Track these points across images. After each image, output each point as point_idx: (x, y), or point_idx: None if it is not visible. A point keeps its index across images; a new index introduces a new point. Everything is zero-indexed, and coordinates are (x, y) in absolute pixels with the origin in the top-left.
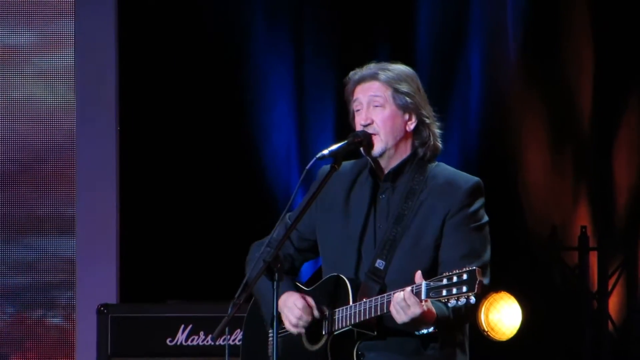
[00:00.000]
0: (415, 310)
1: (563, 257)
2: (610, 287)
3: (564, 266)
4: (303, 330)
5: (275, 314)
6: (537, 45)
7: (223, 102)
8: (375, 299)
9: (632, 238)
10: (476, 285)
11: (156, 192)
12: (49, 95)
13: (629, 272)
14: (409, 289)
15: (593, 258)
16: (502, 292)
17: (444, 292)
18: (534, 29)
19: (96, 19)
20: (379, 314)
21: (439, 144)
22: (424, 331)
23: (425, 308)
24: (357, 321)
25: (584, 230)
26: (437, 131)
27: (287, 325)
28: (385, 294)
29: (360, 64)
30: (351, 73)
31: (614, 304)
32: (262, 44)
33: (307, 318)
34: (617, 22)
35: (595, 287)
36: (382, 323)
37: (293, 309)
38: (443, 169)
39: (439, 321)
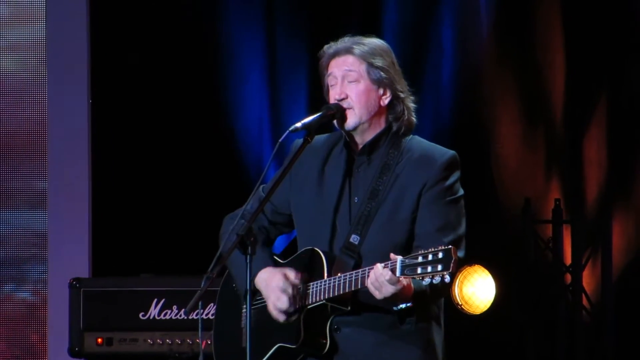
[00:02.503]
0: (389, 288)
1: (537, 230)
2: (584, 261)
3: (538, 239)
4: (284, 315)
5: (249, 287)
6: (509, 18)
7: (195, 76)
8: (350, 274)
9: (605, 211)
10: (452, 265)
11: (128, 166)
12: (20, 68)
13: (603, 246)
14: (381, 265)
15: (567, 231)
16: (476, 265)
17: (419, 270)
18: (506, 2)
19: None
20: (353, 289)
21: (414, 119)
22: (402, 306)
23: (405, 283)
24: (331, 295)
25: (557, 203)
26: (412, 105)
27: (270, 308)
28: (360, 270)
29: (332, 36)
30: (326, 46)
31: (587, 277)
32: (234, 17)
33: (286, 301)
34: None
35: (569, 261)
36: (357, 298)
37: (275, 290)
38: (418, 142)
39: (416, 296)
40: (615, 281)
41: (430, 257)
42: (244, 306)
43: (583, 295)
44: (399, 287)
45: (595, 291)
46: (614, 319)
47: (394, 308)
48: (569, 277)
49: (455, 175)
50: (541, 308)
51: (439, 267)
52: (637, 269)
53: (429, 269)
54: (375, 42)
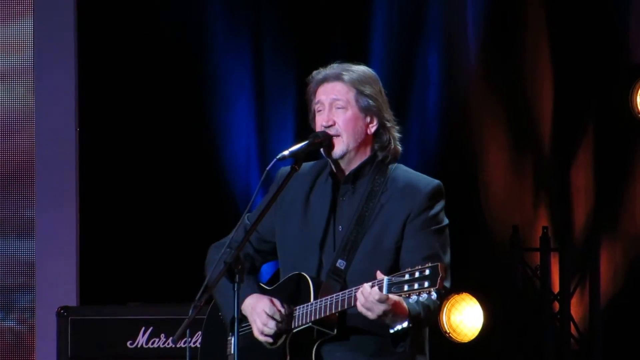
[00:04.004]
0: (380, 307)
1: (525, 257)
2: (572, 288)
3: (526, 267)
4: (270, 339)
5: (236, 315)
6: (497, 46)
7: (182, 103)
8: (336, 295)
9: (593, 239)
10: (438, 280)
11: (116, 194)
12: (8, 96)
13: (590, 273)
14: (368, 285)
15: (555, 259)
16: (464, 293)
17: (406, 287)
18: (494, 30)
19: (55, 20)
20: (340, 309)
21: (399, 148)
22: (399, 327)
23: (395, 299)
24: (317, 317)
25: (545, 231)
26: (397, 135)
27: (255, 333)
28: (347, 290)
29: (319, 63)
30: (314, 72)
31: (575, 304)
32: (221, 44)
33: (273, 325)
34: (575, 23)
35: (557, 288)
36: (343, 323)
37: (261, 314)
38: (403, 171)
39: (411, 317)
40: (603, 309)
41: (417, 274)
42: (230, 334)
43: (571, 323)
44: (389, 304)
45: (583, 319)
46: (601, 347)
47: (390, 330)
48: (557, 305)
49: (440, 204)
50: (529, 336)
51: (426, 284)
52: (625, 297)
53: (416, 285)
54: (364, 69)
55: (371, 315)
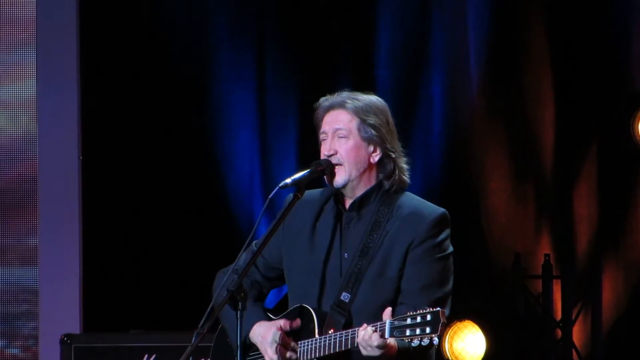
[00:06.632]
0: (376, 351)
1: (527, 285)
2: (574, 316)
3: (528, 294)
4: None
5: (239, 343)
6: (499, 75)
7: (186, 131)
8: (341, 334)
9: (595, 267)
10: (439, 327)
11: (119, 222)
12: (11, 125)
13: (593, 301)
14: (371, 328)
15: (557, 286)
16: (466, 320)
17: (408, 332)
18: (496, 59)
19: (58, 48)
20: (343, 349)
21: (405, 178)
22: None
23: (392, 344)
24: (320, 355)
25: (547, 258)
26: (404, 166)
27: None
28: (350, 330)
29: (323, 92)
30: (321, 99)
31: (578, 332)
32: (225, 72)
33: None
34: (577, 52)
35: (559, 316)
36: (348, 355)
37: (273, 344)
38: (409, 199)
39: (400, 352)
40: (605, 336)
41: (418, 319)
42: None
43: (573, 350)
44: (386, 349)
45: (586, 346)
46: None
47: None
48: (559, 332)
49: (445, 233)
50: None
51: (427, 330)
52: (627, 324)
53: (417, 331)
54: (371, 99)
55: (365, 353)
